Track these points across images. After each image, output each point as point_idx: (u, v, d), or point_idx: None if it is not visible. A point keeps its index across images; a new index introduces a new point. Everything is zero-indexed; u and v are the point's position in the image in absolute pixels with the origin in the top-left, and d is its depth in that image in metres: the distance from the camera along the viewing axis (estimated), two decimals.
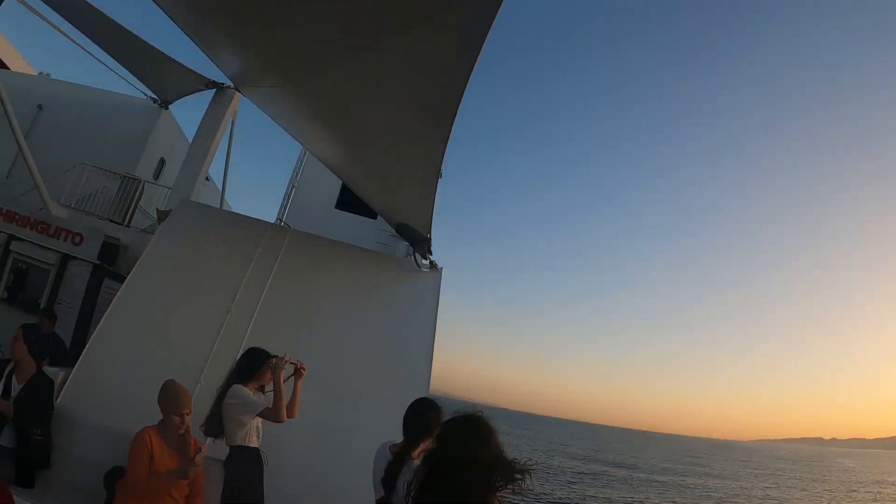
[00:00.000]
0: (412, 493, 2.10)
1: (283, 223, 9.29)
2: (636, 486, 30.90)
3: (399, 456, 2.82)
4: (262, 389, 4.06)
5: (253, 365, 3.97)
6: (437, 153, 3.91)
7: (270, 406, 3.78)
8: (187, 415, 3.73)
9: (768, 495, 35.49)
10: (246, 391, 3.84)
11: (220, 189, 12.59)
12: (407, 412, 3.02)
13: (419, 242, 6.38)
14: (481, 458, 1.94)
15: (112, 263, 8.77)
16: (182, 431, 3.73)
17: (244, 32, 4.35)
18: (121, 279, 8.30)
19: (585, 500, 23.48)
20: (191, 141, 9.72)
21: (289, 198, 10.57)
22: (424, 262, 6.62)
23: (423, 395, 5.32)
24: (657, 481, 35.43)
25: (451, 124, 3.39)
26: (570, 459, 39.86)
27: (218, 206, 9.98)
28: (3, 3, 14.51)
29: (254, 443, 3.89)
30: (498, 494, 1.93)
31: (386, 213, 6.82)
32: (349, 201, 10.42)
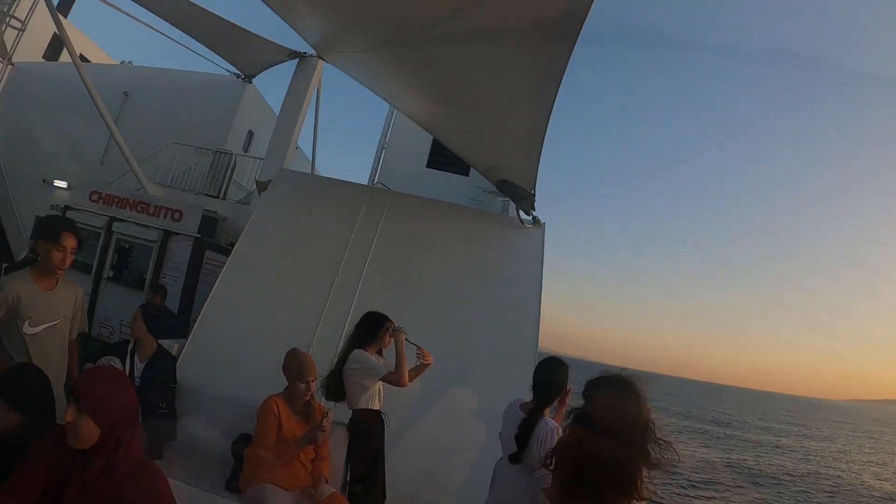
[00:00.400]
0: (555, 451, 2.06)
1: (377, 184, 9.28)
2: (731, 446, 29.96)
3: (533, 413, 2.91)
4: (380, 353, 4.04)
5: (372, 329, 3.94)
6: (545, 109, 3.70)
7: (393, 370, 3.76)
8: (312, 381, 3.72)
9: (869, 461, 33.50)
10: (367, 356, 3.82)
11: (310, 158, 12.77)
12: (537, 371, 3.11)
13: (522, 199, 6.12)
14: (634, 422, 1.81)
15: (212, 235, 9.07)
16: (308, 398, 3.73)
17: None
18: (221, 250, 8.52)
19: (681, 460, 22.94)
20: (277, 112, 9.78)
21: (379, 159, 10.56)
22: (527, 217, 6.43)
23: (533, 351, 5.40)
24: (752, 441, 34.40)
25: (560, 80, 3.16)
26: (666, 416, 39.04)
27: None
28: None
29: (376, 405, 3.88)
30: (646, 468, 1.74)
31: (487, 171, 6.65)
32: (440, 159, 10.31)
